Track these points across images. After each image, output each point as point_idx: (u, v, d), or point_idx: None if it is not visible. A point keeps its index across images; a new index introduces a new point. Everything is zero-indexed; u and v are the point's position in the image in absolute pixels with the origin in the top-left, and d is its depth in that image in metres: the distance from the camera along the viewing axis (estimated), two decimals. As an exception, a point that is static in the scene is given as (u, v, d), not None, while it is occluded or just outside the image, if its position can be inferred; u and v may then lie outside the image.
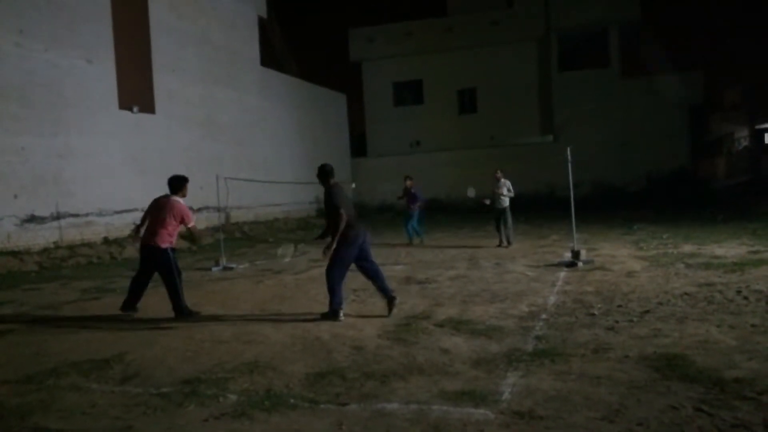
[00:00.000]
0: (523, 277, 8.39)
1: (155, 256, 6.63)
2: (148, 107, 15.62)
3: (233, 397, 3.99)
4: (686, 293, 6.53)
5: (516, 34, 26.37)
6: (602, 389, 3.78)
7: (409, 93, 28.66)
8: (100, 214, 13.77)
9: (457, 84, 27.53)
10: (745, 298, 6.13)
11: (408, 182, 13.61)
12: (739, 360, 4.20)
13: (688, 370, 4.04)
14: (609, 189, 24.20)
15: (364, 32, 28.48)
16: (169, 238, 6.65)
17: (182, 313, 6.62)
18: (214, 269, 10.80)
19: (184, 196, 6.84)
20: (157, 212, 6.67)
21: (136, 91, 15.16)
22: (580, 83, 25.83)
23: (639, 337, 4.92)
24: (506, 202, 12.23)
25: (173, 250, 6.74)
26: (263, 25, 22.09)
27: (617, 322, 5.48)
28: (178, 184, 6.79)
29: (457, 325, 5.65)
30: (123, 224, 14.29)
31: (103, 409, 3.91)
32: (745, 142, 36.49)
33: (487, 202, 12.51)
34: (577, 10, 25.42)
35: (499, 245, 12.18)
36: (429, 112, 27.77)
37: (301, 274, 9.75)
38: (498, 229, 12.34)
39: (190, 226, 6.72)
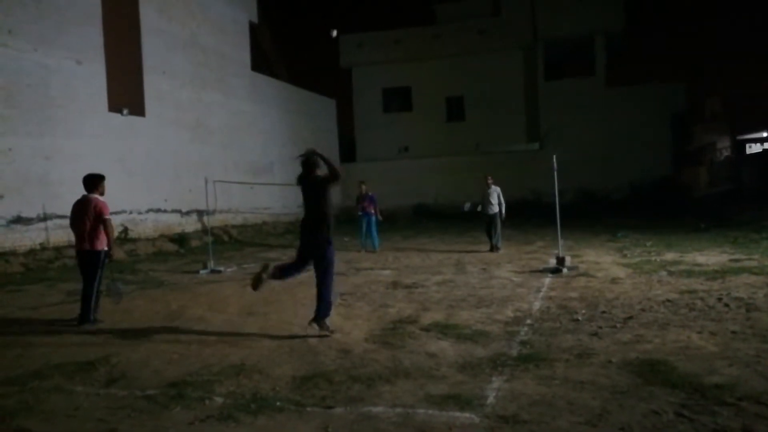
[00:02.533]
0: (509, 282, 8.46)
1: (90, 259, 6.47)
2: (138, 110, 15.54)
3: (219, 400, 3.99)
4: (668, 300, 6.62)
5: (503, 43, 26.62)
6: (585, 394, 3.83)
7: (398, 99, 28.79)
8: (86, 216, 13.65)
9: (445, 91, 27.71)
10: (726, 305, 6.24)
11: (363, 187, 13.73)
12: (719, 366, 4.27)
13: (669, 375, 4.10)
14: (594, 196, 24.41)
15: (354, 39, 28.56)
16: (102, 239, 6.45)
17: (87, 319, 6.42)
18: (202, 272, 10.76)
19: (101, 194, 6.61)
20: (82, 215, 6.46)
21: (125, 93, 15.06)
22: (566, 92, 26.07)
23: (622, 343, 4.99)
24: (496, 208, 12.40)
25: (107, 255, 6.54)
26: (254, 30, 22.07)
27: (601, 327, 5.55)
28: (92, 181, 6.60)
29: (443, 330, 5.69)
30: (109, 226, 14.19)
31: (87, 412, 3.88)
32: (726, 152, 37.06)
33: (479, 208, 12.65)
34: (563, 19, 25.66)
35: (491, 250, 12.35)
36: (417, 119, 27.91)
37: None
38: (489, 235, 12.51)
39: (105, 217, 6.41)
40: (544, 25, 26.12)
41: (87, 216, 6.42)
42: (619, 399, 3.72)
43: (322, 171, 5.80)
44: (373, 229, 13.41)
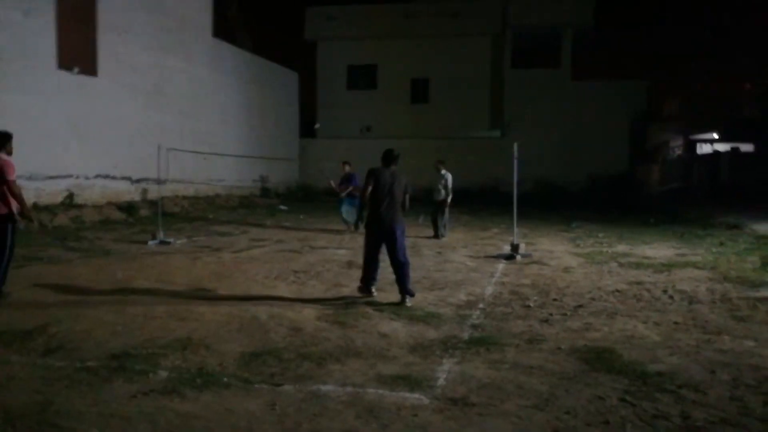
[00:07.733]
0: (463, 266, 8.52)
1: None
2: (90, 69, 14.82)
3: (164, 374, 3.89)
4: (617, 290, 6.80)
5: (473, 28, 26.57)
6: (534, 379, 3.89)
7: (363, 77, 28.38)
8: (30, 178, 12.97)
9: (411, 72, 27.49)
10: (671, 297, 6.44)
11: (347, 167, 13.20)
12: (661, 355, 4.41)
13: (615, 363, 4.21)
14: (551, 187, 24.81)
15: (323, 11, 28.02)
16: (7, 202, 5.75)
17: None
18: (150, 243, 10.45)
19: (9, 153, 5.87)
20: None
21: (77, 50, 14.32)
22: (531, 81, 26.28)
23: (571, 330, 5.09)
24: (443, 194, 12.15)
25: (12, 220, 5.86)
26: (218, -6, 21.34)
27: (551, 314, 5.65)
28: None
29: (396, 311, 5.69)
30: (55, 190, 13.59)
31: (22, 382, 3.73)
32: (678, 151, 38.34)
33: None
34: (534, 9, 25.82)
35: (434, 236, 12.12)
36: (382, 99, 27.65)
37: (240, 253, 9.56)
38: (434, 221, 12.38)
39: (10, 179, 5.69)
40: (515, 13, 26.20)
41: None
42: (566, 384, 3.80)
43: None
44: (353, 207, 12.89)
